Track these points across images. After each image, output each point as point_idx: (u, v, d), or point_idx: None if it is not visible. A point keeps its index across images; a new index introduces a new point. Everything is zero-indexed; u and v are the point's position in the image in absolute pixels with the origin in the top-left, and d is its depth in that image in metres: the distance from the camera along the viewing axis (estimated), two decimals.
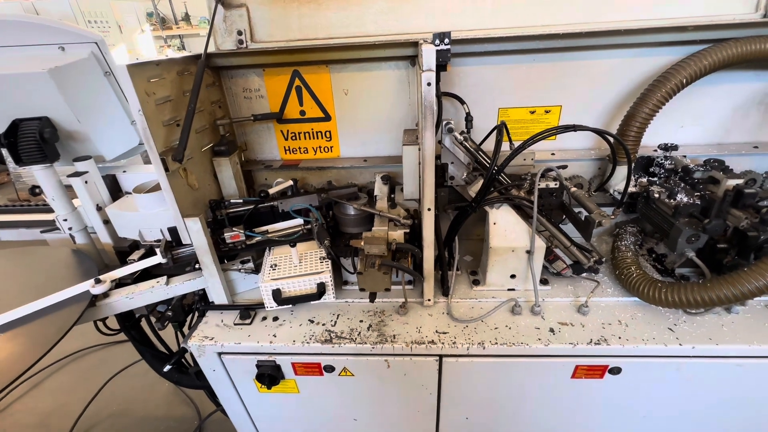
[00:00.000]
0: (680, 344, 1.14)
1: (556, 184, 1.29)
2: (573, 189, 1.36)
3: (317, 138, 1.65)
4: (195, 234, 1.21)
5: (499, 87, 1.51)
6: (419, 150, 1.14)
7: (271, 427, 1.57)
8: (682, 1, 1.34)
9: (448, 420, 1.44)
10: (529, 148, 1.35)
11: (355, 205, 1.35)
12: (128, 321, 1.52)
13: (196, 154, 1.35)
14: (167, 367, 1.49)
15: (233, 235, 1.33)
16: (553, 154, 1.58)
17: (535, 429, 1.43)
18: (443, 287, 1.37)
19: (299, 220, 1.44)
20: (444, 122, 1.21)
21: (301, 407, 1.44)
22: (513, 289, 1.38)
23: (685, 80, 1.25)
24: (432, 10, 1.41)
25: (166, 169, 1.12)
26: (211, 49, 1.49)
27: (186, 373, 1.58)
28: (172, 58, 1.22)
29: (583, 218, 1.23)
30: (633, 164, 1.44)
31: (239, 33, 1.47)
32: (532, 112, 1.55)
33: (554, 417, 1.38)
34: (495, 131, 1.21)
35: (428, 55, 0.93)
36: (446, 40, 1.06)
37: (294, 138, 1.66)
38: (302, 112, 1.60)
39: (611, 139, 1.25)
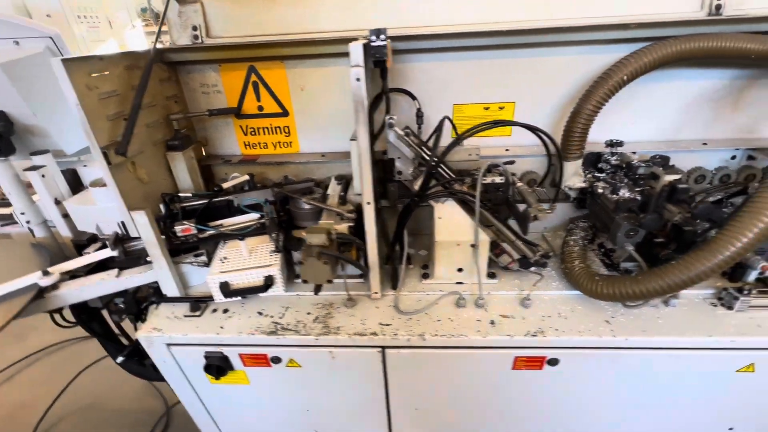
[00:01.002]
0: (614, 336, 1.17)
1: (502, 179, 1.31)
2: (519, 184, 1.38)
3: (276, 133, 1.67)
4: (142, 227, 1.23)
5: (454, 83, 1.53)
6: None
7: (226, 419, 1.59)
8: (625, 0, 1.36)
9: (399, 411, 1.46)
10: (476, 144, 1.37)
11: (305, 199, 1.37)
12: (85, 313, 1.54)
13: (147, 149, 1.37)
14: (120, 359, 1.51)
15: (184, 228, 1.35)
16: (507, 150, 1.60)
17: (483, 419, 1.46)
18: (393, 280, 1.40)
19: (254, 215, 1.46)
20: (387, 117, 1.23)
21: (253, 398, 1.46)
22: (461, 283, 1.40)
23: (625, 77, 1.26)
24: (387, 6, 1.42)
25: (109, 163, 1.14)
26: (168, 44, 1.51)
27: (144, 365, 1.60)
28: (118, 53, 1.23)
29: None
30: (582, 159, 1.47)
31: (194, 28, 1.48)
32: (486, 109, 1.57)
33: (499, 407, 1.41)
34: (439, 126, 1.23)
35: (355, 52, 0.95)
36: (382, 36, 1.08)
37: (253, 133, 1.68)
38: (260, 108, 1.61)
39: (545, 137, 1.28)
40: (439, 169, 1.27)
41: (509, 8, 1.38)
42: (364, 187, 1.13)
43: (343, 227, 1.26)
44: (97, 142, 1.12)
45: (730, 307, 1.23)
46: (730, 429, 1.41)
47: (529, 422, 1.45)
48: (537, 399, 1.35)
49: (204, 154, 1.72)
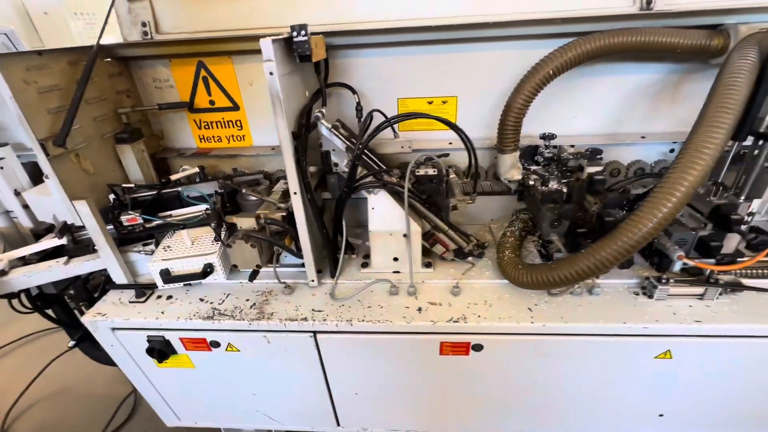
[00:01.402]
0: (532, 322, 1.21)
1: (435, 172, 1.35)
2: (452, 176, 1.42)
3: (228, 127, 1.71)
4: (85, 216, 1.28)
5: (398, 78, 1.57)
6: None
7: (180, 403, 1.65)
8: None
9: (340, 395, 1.51)
10: (418, 137, 1.41)
11: (245, 190, 1.42)
12: (42, 300, 1.60)
13: (94, 141, 1.42)
14: (70, 343, 1.57)
15: (130, 218, 1.40)
16: (450, 143, 1.63)
17: (418, 404, 1.51)
18: (333, 269, 1.45)
19: (202, 206, 1.51)
20: (316, 111, 1.27)
21: (202, 382, 1.52)
22: (398, 272, 1.45)
23: (551, 71, 1.29)
24: (328, 2, 1.46)
25: (47, 154, 1.19)
26: (119, 40, 1.55)
27: (101, 350, 1.66)
28: (60, 48, 1.28)
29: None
30: (518, 152, 1.50)
31: (143, 24, 1.52)
32: (430, 103, 1.60)
33: (431, 392, 1.45)
34: (368, 119, 1.26)
35: (266, 48, 0.99)
36: (303, 32, 1.12)
37: (207, 127, 1.72)
38: (211, 102, 1.66)
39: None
40: (369, 161, 1.31)
41: (446, 4, 1.41)
42: (288, 177, 1.17)
43: (276, 216, 1.30)
44: (35, 134, 1.17)
45: (650, 296, 1.27)
46: (660, 415, 1.45)
47: (460, 407, 1.50)
48: (466, 384, 1.40)
49: (161, 147, 1.77)
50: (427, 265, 1.46)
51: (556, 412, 1.48)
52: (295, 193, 1.20)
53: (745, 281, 1.26)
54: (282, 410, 1.63)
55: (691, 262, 1.19)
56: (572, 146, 1.52)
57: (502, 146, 1.46)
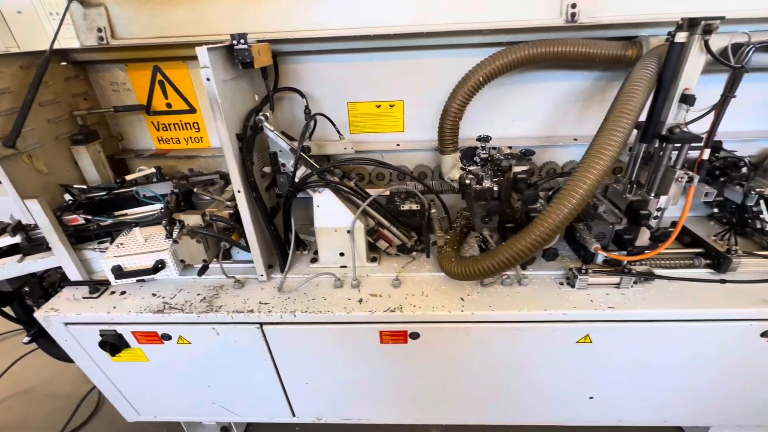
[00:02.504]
0: (462, 311, 1.30)
1: (418, 207, 1.46)
2: (433, 211, 1.53)
3: (186, 129, 1.77)
4: (37, 215, 1.33)
5: (348, 83, 1.65)
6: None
7: (138, 397, 1.70)
8: (495, 7, 1.47)
9: (292, 385, 1.58)
10: (367, 140, 1.50)
11: (197, 189, 1.48)
12: None
13: (48, 142, 1.47)
14: (26, 339, 1.61)
15: (71, 218, 1.45)
16: (398, 144, 1.72)
17: (364, 391, 1.59)
18: (283, 264, 1.52)
19: (157, 205, 1.56)
20: (259, 114, 1.34)
21: (157, 375, 1.57)
22: (345, 266, 1.53)
23: (481, 78, 1.39)
24: (278, 11, 1.52)
25: None
26: (75, 45, 1.60)
27: (58, 347, 1.70)
28: (11, 53, 1.33)
29: None
30: (458, 153, 1.59)
31: (99, 30, 1.57)
32: (378, 107, 1.69)
33: (375, 379, 1.53)
34: (310, 122, 1.34)
35: (202, 55, 1.06)
36: (242, 41, 1.19)
37: (165, 129, 1.78)
38: (168, 105, 1.72)
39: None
40: (311, 161, 1.39)
41: (390, 13, 1.50)
42: (231, 177, 1.24)
43: (224, 214, 1.37)
44: None
45: (572, 286, 1.37)
46: (591, 398, 1.56)
47: (403, 394, 1.58)
48: (407, 371, 1.48)
49: (120, 148, 1.82)
50: (373, 259, 1.54)
51: (493, 398, 1.58)
52: (239, 191, 1.27)
53: (657, 271, 1.38)
54: (238, 402, 1.69)
55: (604, 254, 1.31)
56: (510, 148, 1.62)
57: (442, 148, 1.55)
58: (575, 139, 1.68)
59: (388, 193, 1.48)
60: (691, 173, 1.25)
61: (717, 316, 1.28)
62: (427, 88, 1.64)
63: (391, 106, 1.69)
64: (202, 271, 1.41)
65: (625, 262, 1.34)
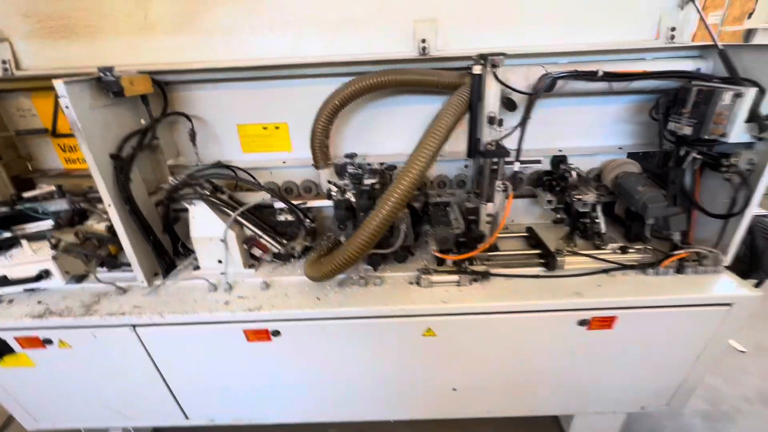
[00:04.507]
0: (313, 309, 1.45)
1: (293, 219, 1.63)
2: (306, 221, 1.69)
3: None
4: None
5: (236, 107, 1.83)
6: None
7: (33, 405, 1.77)
8: (360, 42, 1.69)
9: (177, 387, 1.69)
10: (257, 159, 1.67)
11: (83, 205, 1.62)
12: None
13: None
14: None
15: None
16: (284, 162, 1.90)
17: (243, 390, 1.70)
18: (166, 271, 1.65)
19: (49, 221, 1.69)
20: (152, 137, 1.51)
21: (45, 381, 1.66)
22: (224, 273, 1.67)
23: (338, 102, 1.59)
24: (168, 45, 1.71)
25: None
26: None
27: None
28: None
29: None
30: (332, 168, 1.77)
31: (4, 62, 1.74)
32: (265, 128, 1.88)
33: (246, 376, 1.65)
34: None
35: (59, 88, 1.23)
36: (108, 73, 1.37)
37: (71, 150, 1.93)
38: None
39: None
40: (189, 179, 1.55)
41: (268, 48, 1.70)
42: (101, 193, 1.39)
43: (101, 227, 1.51)
44: None
45: (420, 285, 1.54)
46: (454, 389, 1.70)
47: (279, 391, 1.70)
48: (274, 368, 1.61)
49: (30, 168, 1.96)
50: (251, 266, 1.68)
51: (353, 395, 1.71)
52: (109, 205, 1.42)
53: (496, 270, 1.56)
54: (131, 406, 1.78)
55: (439, 255, 1.48)
56: (382, 164, 1.82)
57: (316, 164, 1.73)
58: (441, 156, 1.87)
59: (252, 204, 1.63)
60: (507, 183, 1.45)
61: (540, 307, 1.45)
62: (306, 111, 1.81)
63: (277, 128, 1.88)
64: (80, 279, 1.53)
65: (466, 261, 1.51)
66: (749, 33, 6.85)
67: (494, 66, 1.30)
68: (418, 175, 1.29)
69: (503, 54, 1.30)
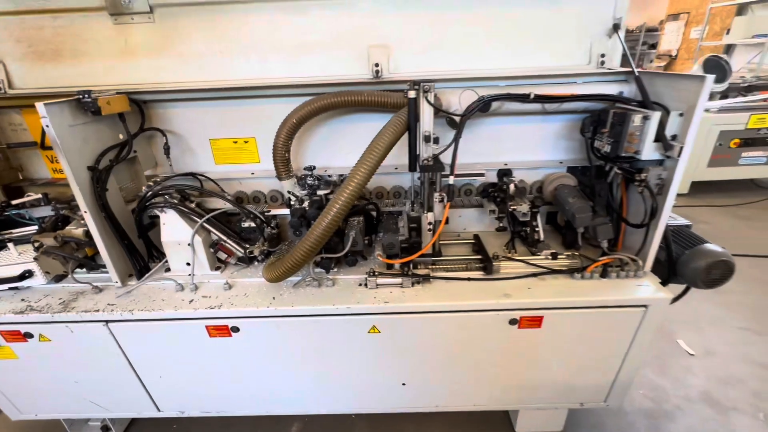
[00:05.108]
0: (267, 307, 1.60)
1: (254, 225, 1.79)
2: (268, 228, 1.85)
3: None
4: None
5: (209, 123, 2.00)
6: None
7: (17, 395, 1.92)
8: (320, 65, 1.86)
9: (148, 379, 1.84)
10: (222, 169, 1.83)
11: (66, 212, 1.79)
12: None
13: None
14: None
15: None
16: (253, 173, 2.07)
17: (208, 383, 1.85)
18: (140, 273, 1.81)
19: (35, 226, 1.86)
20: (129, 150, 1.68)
21: (28, 372, 1.81)
22: (192, 274, 1.82)
23: (295, 120, 1.76)
24: (149, 68, 1.89)
25: None
26: None
27: None
28: None
29: None
30: (293, 179, 1.94)
31: None
32: (235, 143, 2.05)
33: (209, 370, 1.80)
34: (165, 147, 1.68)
35: (40, 109, 1.41)
36: (86, 96, 1.54)
37: (58, 161, 2.09)
38: None
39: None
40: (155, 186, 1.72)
41: (236, 70, 1.88)
42: (77, 200, 1.56)
43: (79, 232, 1.68)
44: None
45: (366, 286, 1.69)
46: (403, 384, 1.84)
47: (233, 383, 1.84)
48: (233, 362, 1.76)
49: (21, 177, 2.13)
50: (218, 268, 1.84)
51: (308, 390, 1.85)
52: (85, 212, 1.59)
53: (435, 273, 1.71)
54: (106, 397, 1.93)
55: (381, 259, 1.63)
56: (341, 176, 1.99)
57: (279, 175, 1.90)
58: (396, 168, 2.04)
59: (218, 211, 1.79)
60: (443, 194, 1.61)
61: (473, 307, 1.60)
62: (272, 127, 1.97)
63: (246, 142, 2.05)
64: (59, 279, 1.70)
65: (408, 265, 1.67)
66: (729, 48, 7.09)
67: (426, 91, 1.47)
68: (356, 188, 1.45)
69: (432, 80, 1.46)
